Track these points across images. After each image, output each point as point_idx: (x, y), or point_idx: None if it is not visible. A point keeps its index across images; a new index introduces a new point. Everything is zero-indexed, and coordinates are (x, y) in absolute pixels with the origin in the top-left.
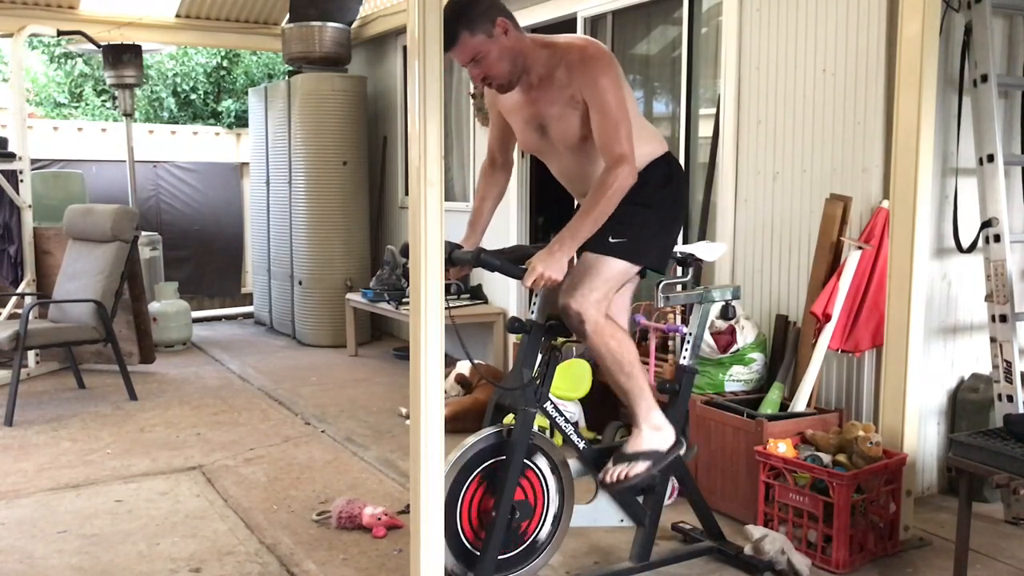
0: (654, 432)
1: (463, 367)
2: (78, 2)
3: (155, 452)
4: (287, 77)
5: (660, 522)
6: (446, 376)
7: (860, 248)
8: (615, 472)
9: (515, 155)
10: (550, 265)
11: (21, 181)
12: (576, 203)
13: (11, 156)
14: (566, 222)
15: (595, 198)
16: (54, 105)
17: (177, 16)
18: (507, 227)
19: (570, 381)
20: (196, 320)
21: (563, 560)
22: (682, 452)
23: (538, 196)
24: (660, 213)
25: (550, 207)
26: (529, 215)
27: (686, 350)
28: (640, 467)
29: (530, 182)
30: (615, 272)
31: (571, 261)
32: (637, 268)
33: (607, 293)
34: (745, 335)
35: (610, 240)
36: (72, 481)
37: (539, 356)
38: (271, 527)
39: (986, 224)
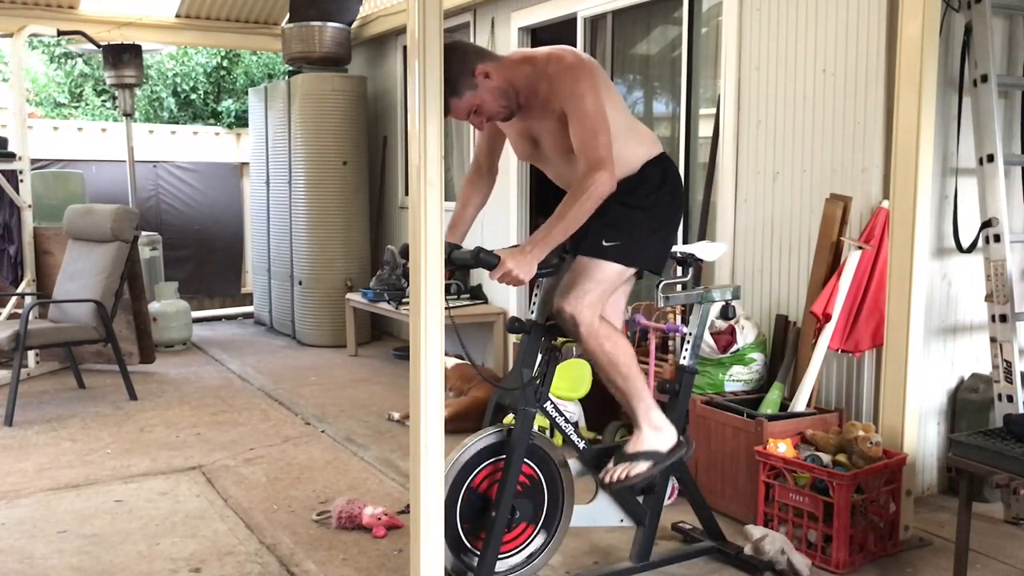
0: (654, 432)
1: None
2: (78, 2)
3: (155, 452)
4: (287, 77)
5: (660, 522)
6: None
7: (860, 248)
8: (616, 472)
9: (500, 163)
10: (520, 264)
11: (21, 181)
12: None
13: (11, 156)
14: None
15: (569, 203)
16: (54, 105)
17: (177, 16)
18: (507, 227)
19: (570, 381)
20: (196, 320)
21: (563, 560)
22: (684, 453)
23: (538, 196)
24: (655, 215)
25: (550, 207)
26: (529, 215)
27: (686, 350)
28: (641, 467)
29: (530, 182)
30: (609, 275)
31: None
32: (632, 271)
33: (601, 296)
34: (745, 335)
35: (604, 243)
36: (72, 481)
37: (539, 356)
38: (271, 527)
39: (986, 224)
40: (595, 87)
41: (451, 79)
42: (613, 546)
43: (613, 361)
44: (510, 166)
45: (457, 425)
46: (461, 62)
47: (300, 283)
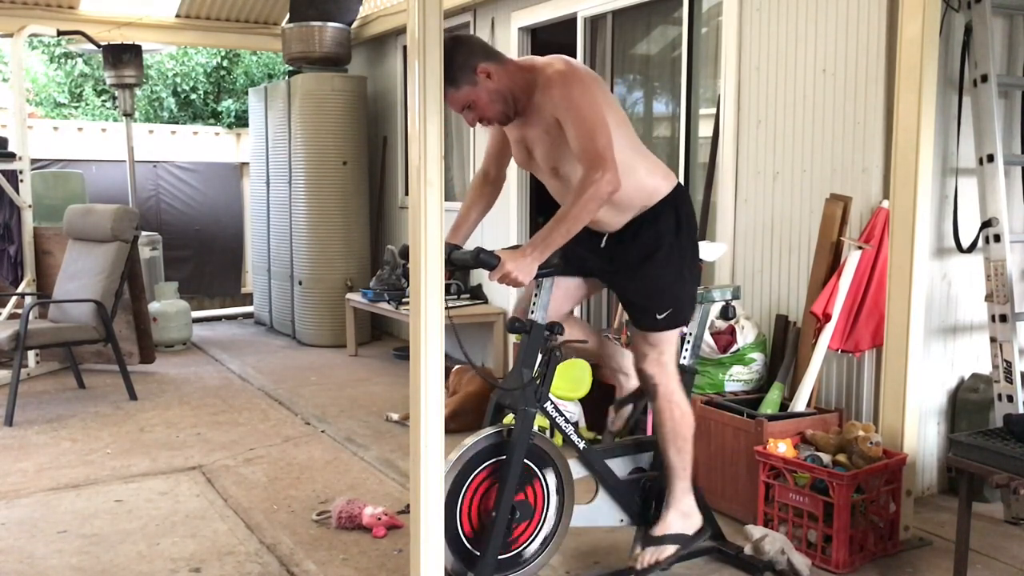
0: (681, 518)
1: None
2: (78, 2)
3: (155, 452)
4: (287, 77)
5: None
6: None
7: (860, 248)
8: (645, 557)
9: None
10: (520, 266)
11: (21, 181)
12: None
13: (11, 156)
14: None
15: (569, 205)
16: (54, 105)
17: (177, 16)
18: (507, 227)
19: (570, 381)
20: (196, 320)
21: (563, 560)
22: (706, 537)
23: (538, 196)
24: (683, 266)
25: (550, 207)
26: (529, 215)
27: (686, 350)
28: (669, 551)
29: (531, 183)
30: (672, 336)
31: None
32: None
33: (672, 354)
34: (745, 335)
35: (658, 318)
36: (72, 481)
37: (539, 356)
38: (271, 527)
39: (986, 224)
40: (589, 91)
41: (452, 70)
42: (613, 546)
43: (676, 431)
44: (511, 167)
45: (457, 422)
46: (466, 56)
47: (300, 283)
